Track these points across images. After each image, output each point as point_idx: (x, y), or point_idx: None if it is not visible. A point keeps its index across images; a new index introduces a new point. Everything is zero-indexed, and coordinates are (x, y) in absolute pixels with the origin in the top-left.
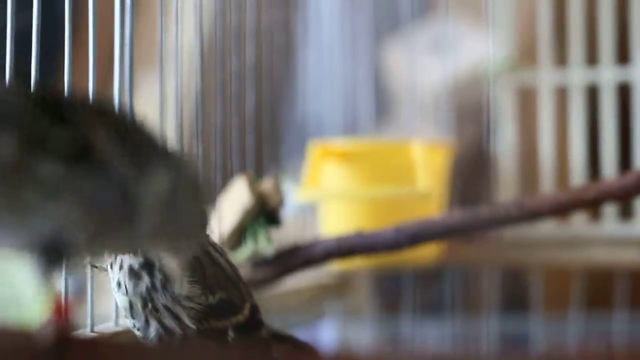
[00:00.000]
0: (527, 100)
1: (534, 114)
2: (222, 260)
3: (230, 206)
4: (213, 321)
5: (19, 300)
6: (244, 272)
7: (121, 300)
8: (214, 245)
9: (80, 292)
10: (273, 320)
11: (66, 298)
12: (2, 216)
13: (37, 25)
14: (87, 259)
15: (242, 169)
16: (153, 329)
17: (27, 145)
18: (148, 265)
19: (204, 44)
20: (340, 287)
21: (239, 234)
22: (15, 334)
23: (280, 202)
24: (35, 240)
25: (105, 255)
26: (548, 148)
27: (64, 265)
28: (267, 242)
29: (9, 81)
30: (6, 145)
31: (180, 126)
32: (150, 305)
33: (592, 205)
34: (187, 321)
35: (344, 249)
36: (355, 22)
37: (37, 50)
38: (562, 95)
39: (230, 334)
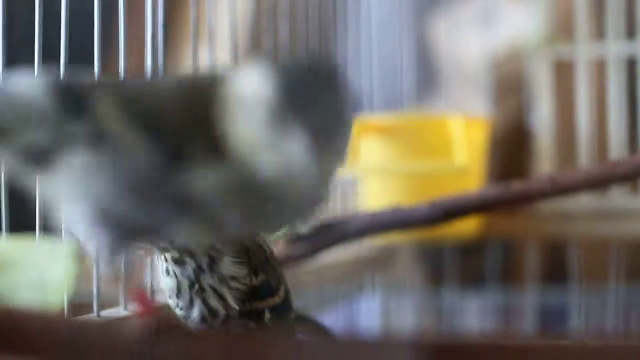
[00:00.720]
0: (564, 74)
1: (572, 88)
2: (262, 242)
3: None
4: (254, 302)
5: (44, 283)
6: (280, 248)
7: (169, 282)
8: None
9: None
10: (318, 292)
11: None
12: None
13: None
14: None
15: None
16: (197, 308)
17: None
18: (189, 252)
19: (238, 23)
20: (383, 260)
21: None
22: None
23: None
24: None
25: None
26: (586, 122)
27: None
28: None
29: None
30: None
31: None
32: (196, 285)
33: (626, 179)
34: (232, 302)
35: (380, 224)
36: None
37: (65, 40)
38: (600, 68)
39: (267, 314)
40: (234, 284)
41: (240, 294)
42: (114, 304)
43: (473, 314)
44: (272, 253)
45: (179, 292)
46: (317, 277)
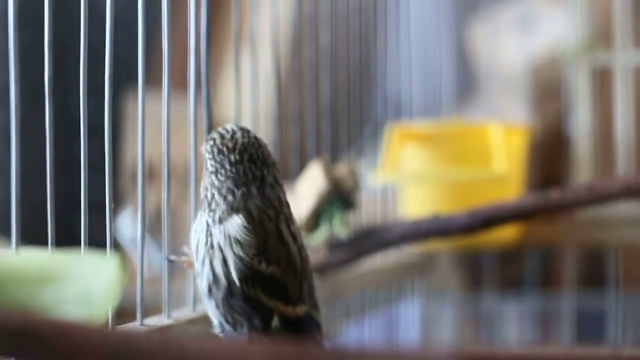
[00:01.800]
0: (603, 81)
1: (611, 95)
2: (294, 250)
3: (306, 190)
4: (259, 292)
5: (89, 296)
6: (322, 255)
7: (194, 239)
8: (295, 236)
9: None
10: (359, 298)
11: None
12: None
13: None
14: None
15: (318, 154)
16: (205, 272)
17: None
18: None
19: (279, 31)
20: (422, 266)
21: (316, 218)
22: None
23: (355, 186)
24: None
25: None
26: (624, 129)
27: None
28: (343, 226)
29: None
30: None
31: (256, 113)
32: (209, 241)
33: None
34: (233, 271)
35: (419, 232)
36: (437, 2)
37: (110, 48)
38: (639, 76)
39: (275, 321)
40: (237, 249)
41: (243, 267)
42: (156, 307)
43: (512, 320)
44: (308, 273)
45: (198, 250)
46: (358, 282)
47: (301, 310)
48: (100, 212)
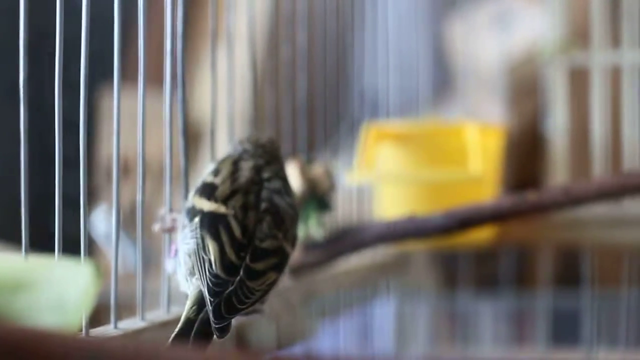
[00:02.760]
0: (580, 81)
1: (587, 95)
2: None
3: None
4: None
5: (63, 302)
6: (297, 255)
7: None
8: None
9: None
10: (334, 297)
11: None
12: None
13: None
14: None
15: (294, 153)
16: None
17: None
18: None
19: (256, 29)
20: (398, 265)
21: None
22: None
23: (331, 187)
24: None
25: None
26: (600, 129)
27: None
28: (319, 226)
29: None
30: None
31: (232, 111)
32: None
33: (639, 191)
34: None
35: (395, 232)
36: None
37: (86, 44)
38: (615, 76)
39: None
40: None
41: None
42: (131, 304)
43: (487, 319)
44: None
45: None
46: (333, 282)
47: (225, 207)
48: (75, 208)
